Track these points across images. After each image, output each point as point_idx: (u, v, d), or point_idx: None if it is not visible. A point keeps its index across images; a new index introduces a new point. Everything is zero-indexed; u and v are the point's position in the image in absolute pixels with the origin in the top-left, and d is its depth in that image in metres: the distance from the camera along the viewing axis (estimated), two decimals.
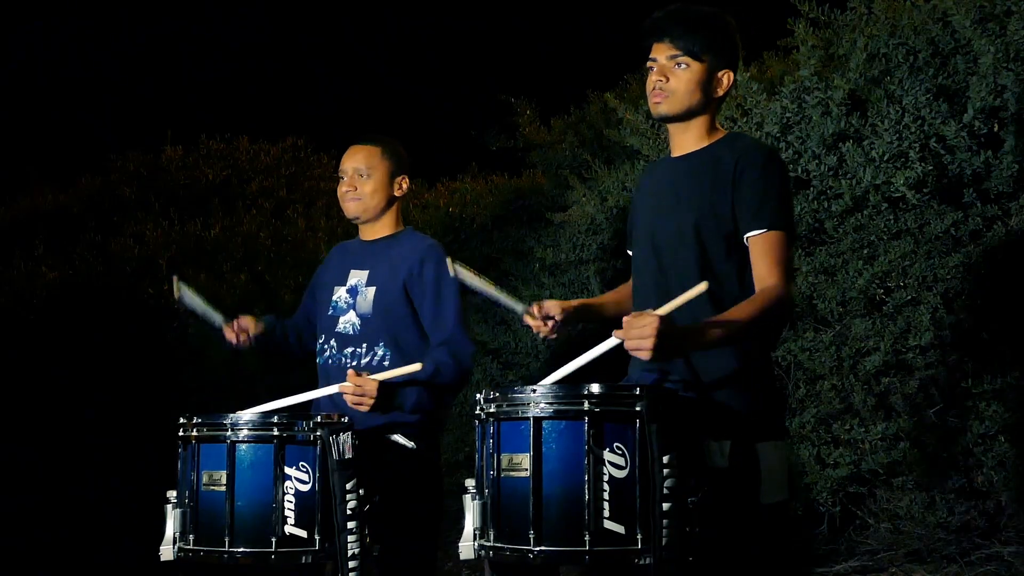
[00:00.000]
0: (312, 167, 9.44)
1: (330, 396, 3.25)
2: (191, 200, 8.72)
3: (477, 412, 2.42)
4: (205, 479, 2.90)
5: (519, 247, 6.07)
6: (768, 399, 2.60)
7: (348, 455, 2.91)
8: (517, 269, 5.90)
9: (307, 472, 2.90)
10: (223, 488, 2.86)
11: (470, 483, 2.40)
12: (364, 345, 3.32)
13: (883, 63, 4.37)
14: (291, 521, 2.87)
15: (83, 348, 6.85)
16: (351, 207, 3.39)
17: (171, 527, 2.92)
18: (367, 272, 3.38)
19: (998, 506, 4.20)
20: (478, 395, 2.43)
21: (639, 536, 2.23)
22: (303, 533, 2.88)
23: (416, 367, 3.10)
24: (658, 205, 2.71)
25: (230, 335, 3.40)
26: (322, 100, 13.13)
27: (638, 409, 2.27)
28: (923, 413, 4.26)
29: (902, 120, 4.19)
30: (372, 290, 3.34)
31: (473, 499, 2.37)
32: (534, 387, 2.34)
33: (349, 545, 2.86)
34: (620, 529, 2.24)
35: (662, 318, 2.30)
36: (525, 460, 2.28)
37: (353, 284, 3.38)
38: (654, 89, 2.64)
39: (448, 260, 3.01)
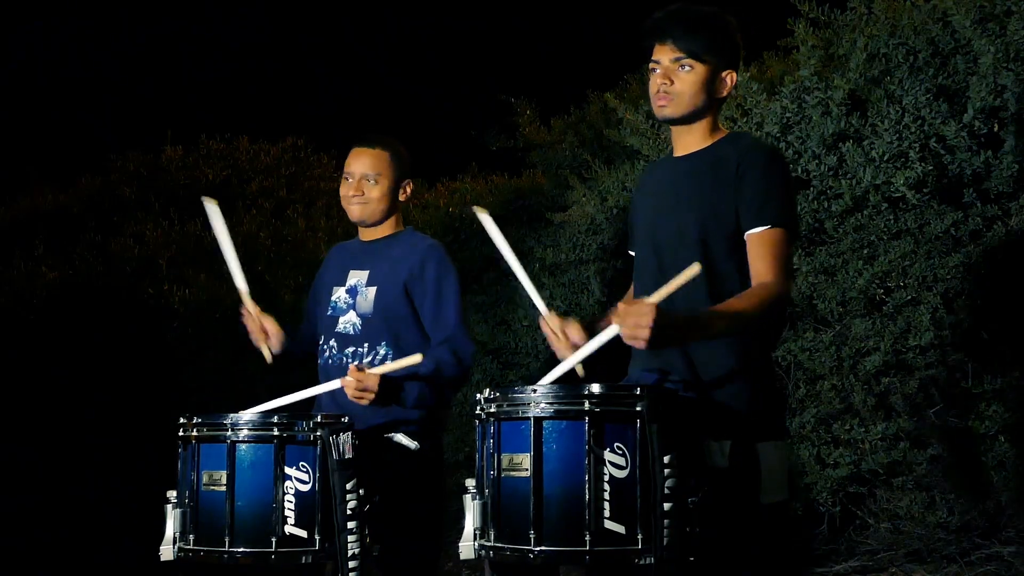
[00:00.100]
0: (312, 167, 9.43)
1: (332, 395, 3.25)
2: (191, 200, 8.69)
3: (477, 412, 2.42)
4: (205, 479, 2.90)
5: (519, 247, 6.05)
6: (768, 399, 2.60)
7: (348, 455, 2.91)
8: None
9: (307, 472, 2.90)
10: (223, 488, 2.86)
11: (470, 483, 2.40)
12: (365, 345, 3.32)
13: (883, 63, 4.37)
14: (291, 521, 2.87)
15: (83, 348, 6.84)
16: (356, 211, 3.38)
17: (171, 527, 2.92)
18: (367, 272, 3.38)
19: (998, 506, 4.20)
20: (478, 395, 2.43)
21: (639, 536, 2.23)
22: (303, 533, 2.88)
23: (417, 358, 3.10)
24: (659, 205, 2.71)
25: (251, 324, 3.36)
26: (322, 100, 13.14)
27: (639, 409, 2.27)
28: (923, 413, 4.26)
29: (902, 120, 4.19)
30: (372, 290, 3.34)
31: (473, 499, 2.37)
32: (534, 387, 2.34)
33: (349, 545, 2.86)
34: (620, 529, 2.24)
35: (658, 307, 2.29)
36: (525, 460, 2.28)
37: (353, 284, 3.38)
38: (658, 92, 2.63)
39: (476, 209, 2.95)
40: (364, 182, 3.36)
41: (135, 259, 7.73)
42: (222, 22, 12.87)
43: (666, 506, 2.23)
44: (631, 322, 2.30)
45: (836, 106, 4.32)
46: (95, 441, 6.49)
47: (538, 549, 2.25)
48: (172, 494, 2.94)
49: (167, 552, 2.92)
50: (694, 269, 2.34)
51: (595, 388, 2.30)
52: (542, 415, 2.30)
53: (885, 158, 4.20)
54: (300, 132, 9.69)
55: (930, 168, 4.16)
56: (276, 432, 2.90)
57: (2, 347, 6.96)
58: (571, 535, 2.24)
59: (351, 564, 2.86)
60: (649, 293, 2.65)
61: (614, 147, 5.80)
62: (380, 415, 3.19)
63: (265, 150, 9.43)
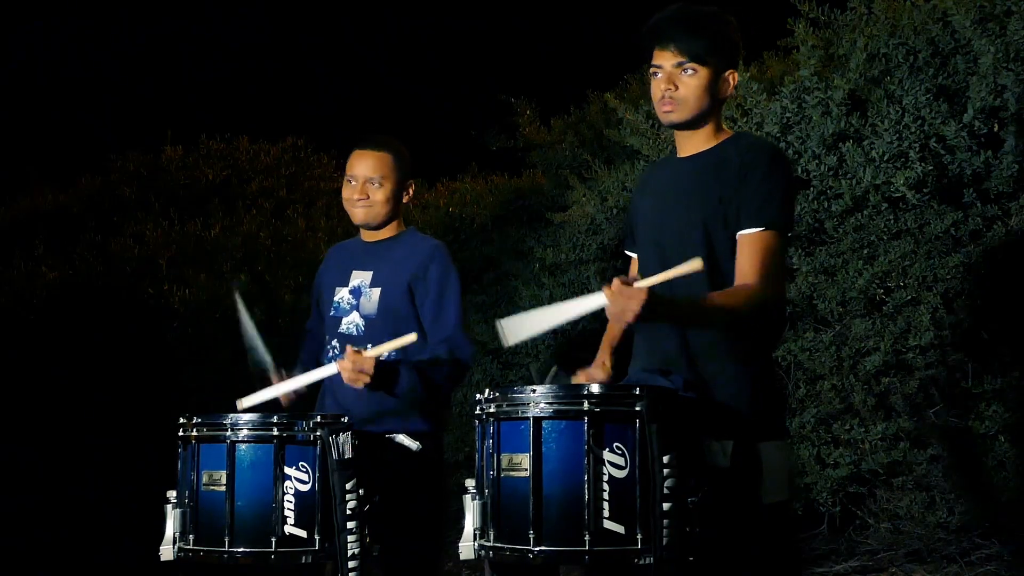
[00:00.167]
0: (312, 167, 9.43)
1: (334, 395, 3.25)
2: (191, 200, 8.71)
3: (477, 412, 2.42)
4: (205, 479, 2.90)
5: (519, 247, 6.07)
6: (769, 399, 2.60)
7: (348, 455, 2.91)
8: (517, 269, 5.90)
9: (307, 472, 2.90)
10: (223, 488, 2.86)
11: (470, 483, 2.40)
12: (368, 345, 3.31)
13: (883, 63, 4.37)
14: (291, 521, 2.87)
15: (83, 348, 6.84)
16: (360, 214, 3.36)
17: (171, 527, 2.92)
18: (371, 273, 3.37)
19: (998, 506, 4.20)
20: (478, 395, 2.43)
21: (639, 536, 2.23)
22: (303, 533, 2.88)
23: (412, 337, 3.08)
24: (662, 204, 2.70)
25: (282, 388, 3.25)
26: (322, 100, 13.14)
27: (638, 409, 2.27)
28: (923, 413, 4.26)
29: (902, 120, 4.19)
30: (377, 291, 3.33)
31: (473, 499, 2.37)
32: (534, 387, 2.34)
33: (349, 545, 2.86)
34: (620, 529, 2.24)
35: (650, 291, 2.29)
36: (525, 460, 2.28)
37: (356, 285, 3.37)
38: (663, 98, 2.61)
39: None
40: (368, 185, 3.34)
41: (135, 259, 7.72)
42: (222, 22, 12.88)
43: (665, 506, 2.24)
44: (621, 302, 2.30)
45: (836, 106, 4.32)
46: (95, 441, 6.48)
47: (538, 549, 2.25)
48: (172, 494, 2.94)
49: (167, 552, 2.92)
50: (696, 263, 2.34)
51: (594, 388, 2.30)
52: (541, 415, 2.30)
53: (885, 158, 4.20)
54: (300, 132, 9.70)
55: (930, 168, 4.16)
56: (276, 432, 2.90)
57: (2, 347, 6.96)
58: (571, 535, 2.24)
59: (351, 564, 2.85)
60: None
61: (614, 147, 5.81)
62: (383, 417, 3.19)
63: (265, 150, 9.43)
